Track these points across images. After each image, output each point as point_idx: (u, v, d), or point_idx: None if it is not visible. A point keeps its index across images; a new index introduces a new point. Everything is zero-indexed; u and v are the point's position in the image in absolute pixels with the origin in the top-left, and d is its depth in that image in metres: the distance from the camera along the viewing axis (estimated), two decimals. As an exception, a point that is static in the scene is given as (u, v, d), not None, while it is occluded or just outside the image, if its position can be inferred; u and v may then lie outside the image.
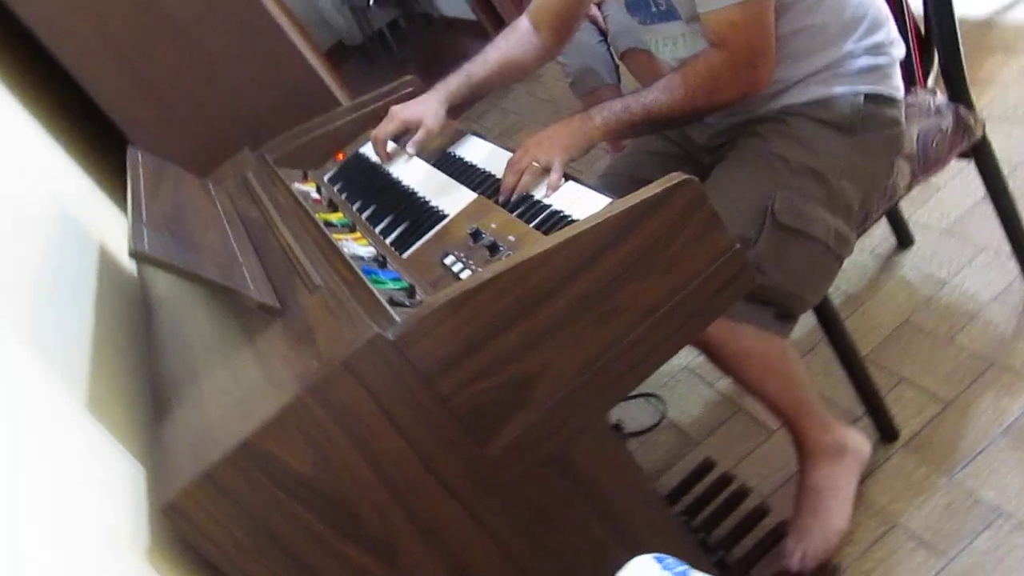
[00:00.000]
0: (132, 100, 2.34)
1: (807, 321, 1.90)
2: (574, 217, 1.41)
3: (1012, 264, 2.16)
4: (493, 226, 1.47)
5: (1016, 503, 1.78)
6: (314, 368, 1.10)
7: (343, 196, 1.96)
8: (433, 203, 1.69)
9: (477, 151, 1.87)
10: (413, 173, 1.89)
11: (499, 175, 1.64)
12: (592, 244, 1.19)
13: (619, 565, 0.93)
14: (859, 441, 1.89)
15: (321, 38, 7.72)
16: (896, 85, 1.78)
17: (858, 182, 1.75)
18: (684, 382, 2.53)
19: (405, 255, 1.57)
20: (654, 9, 1.78)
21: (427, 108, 1.93)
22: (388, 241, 1.65)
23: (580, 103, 3.35)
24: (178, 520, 1.06)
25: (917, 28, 2.00)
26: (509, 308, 1.15)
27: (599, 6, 3.21)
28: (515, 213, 1.51)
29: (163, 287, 1.72)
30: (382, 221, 1.73)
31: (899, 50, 1.80)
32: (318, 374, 1.08)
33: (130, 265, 1.91)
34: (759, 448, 2.20)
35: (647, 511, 1.41)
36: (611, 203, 1.28)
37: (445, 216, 1.61)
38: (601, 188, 1.46)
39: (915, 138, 1.90)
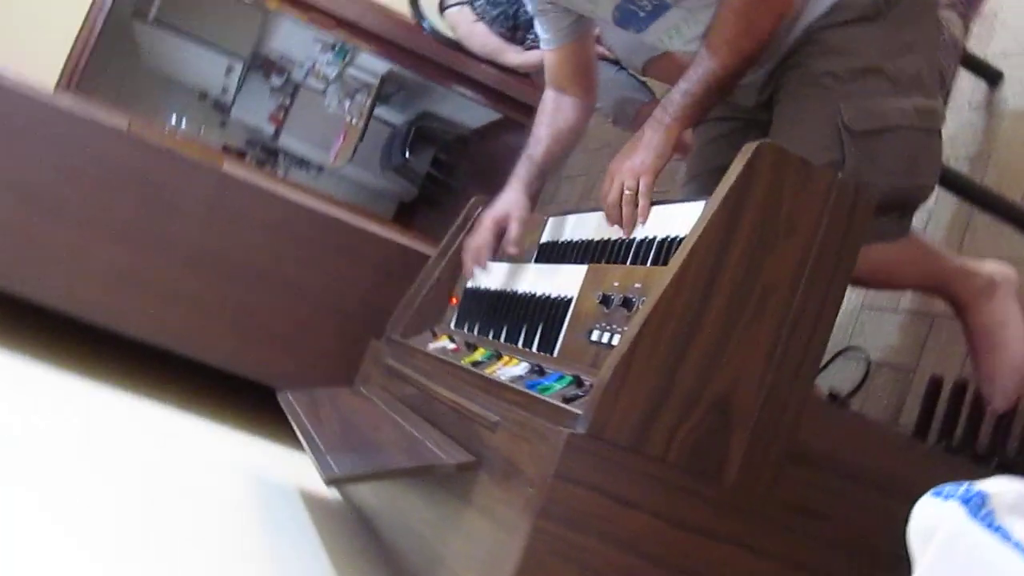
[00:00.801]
0: (258, 353, 2.44)
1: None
2: (682, 235, 1.41)
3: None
4: (616, 284, 1.48)
5: None
6: (533, 495, 1.12)
7: (476, 333, 2.00)
8: (554, 295, 1.71)
9: (565, 228, 1.89)
10: (522, 279, 1.91)
11: (595, 238, 1.66)
12: (711, 246, 1.19)
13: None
14: (1002, 270, 1.86)
15: (384, 208, 7.99)
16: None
17: (912, 53, 1.70)
18: (868, 321, 2.45)
19: (556, 353, 1.58)
20: (642, 14, 1.80)
21: (509, 201, 1.98)
22: (535, 349, 1.67)
23: (632, 132, 3.36)
24: None
25: None
26: (671, 346, 1.16)
27: (599, 40, 3.24)
28: (629, 263, 1.52)
29: (369, 497, 1.77)
30: (519, 335, 1.76)
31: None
32: (539, 498, 1.10)
33: (332, 492, 1.98)
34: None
35: (904, 458, 1.36)
36: (706, 203, 1.28)
37: (570, 299, 1.63)
38: (691, 196, 1.46)
39: (946, -17, 1.85)
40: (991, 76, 2.42)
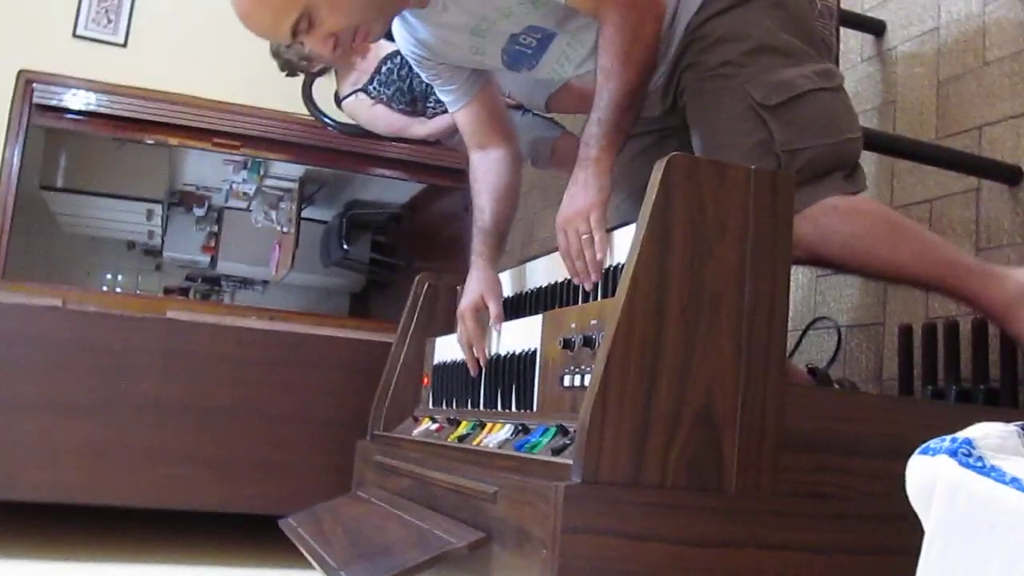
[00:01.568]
0: (249, 487, 2.43)
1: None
2: (622, 261, 1.43)
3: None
4: (573, 326, 1.49)
5: None
6: (547, 556, 1.11)
7: (455, 406, 2.00)
8: (518, 351, 1.72)
9: (511, 282, 1.91)
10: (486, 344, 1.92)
11: (543, 283, 1.67)
12: (650, 269, 1.21)
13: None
14: None
15: (338, 304, 7.99)
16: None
17: (794, 26, 1.75)
18: (828, 290, 2.49)
19: (535, 408, 1.59)
20: (529, 51, 1.83)
21: (479, 285, 1.94)
22: (514, 409, 1.67)
23: (556, 169, 3.39)
24: None
25: None
26: (639, 374, 1.17)
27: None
28: (581, 302, 1.53)
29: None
30: (497, 398, 1.76)
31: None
32: (555, 557, 1.10)
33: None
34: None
35: (892, 418, 1.38)
36: (634, 227, 1.29)
37: (534, 351, 1.64)
38: (627, 215, 1.47)
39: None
40: (875, 28, 2.48)
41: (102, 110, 4.58)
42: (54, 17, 4.50)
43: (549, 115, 3.34)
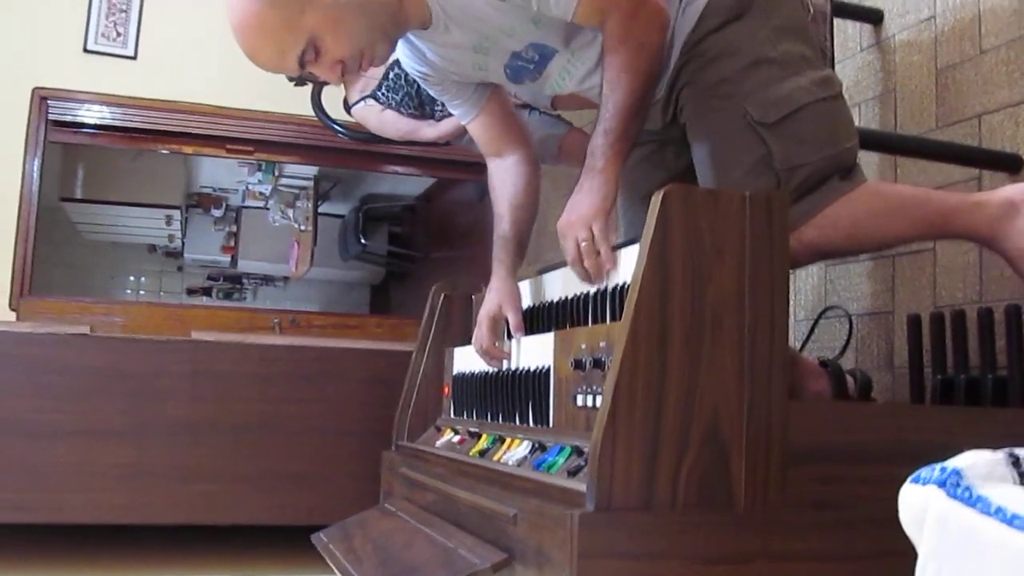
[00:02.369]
0: (281, 498, 2.50)
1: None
2: (628, 280, 1.47)
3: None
4: (584, 346, 1.54)
5: None
6: (567, 580, 1.17)
7: (475, 417, 2.05)
8: (532, 367, 1.77)
9: (529, 293, 1.95)
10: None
11: (559, 296, 1.72)
12: (652, 297, 1.25)
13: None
14: (1014, 188, 1.80)
15: (359, 297, 8.06)
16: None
17: (788, 35, 1.77)
18: (837, 278, 2.52)
19: (551, 424, 1.64)
20: (531, 66, 1.86)
21: (500, 293, 1.98)
22: (531, 424, 1.73)
23: (564, 163, 3.42)
24: None
25: None
26: (646, 398, 1.22)
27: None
28: (592, 324, 1.58)
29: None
30: (515, 413, 1.82)
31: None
32: (573, 583, 1.15)
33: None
34: (939, 264, 2.18)
35: (894, 423, 1.42)
36: (638, 247, 1.34)
37: (548, 368, 1.69)
38: (629, 232, 1.50)
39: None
40: (872, 17, 2.50)
41: (116, 123, 4.64)
42: (64, 34, 4.56)
43: (555, 112, 3.37)
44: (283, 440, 2.50)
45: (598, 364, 1.46)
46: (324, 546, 1.88)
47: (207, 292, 7.76)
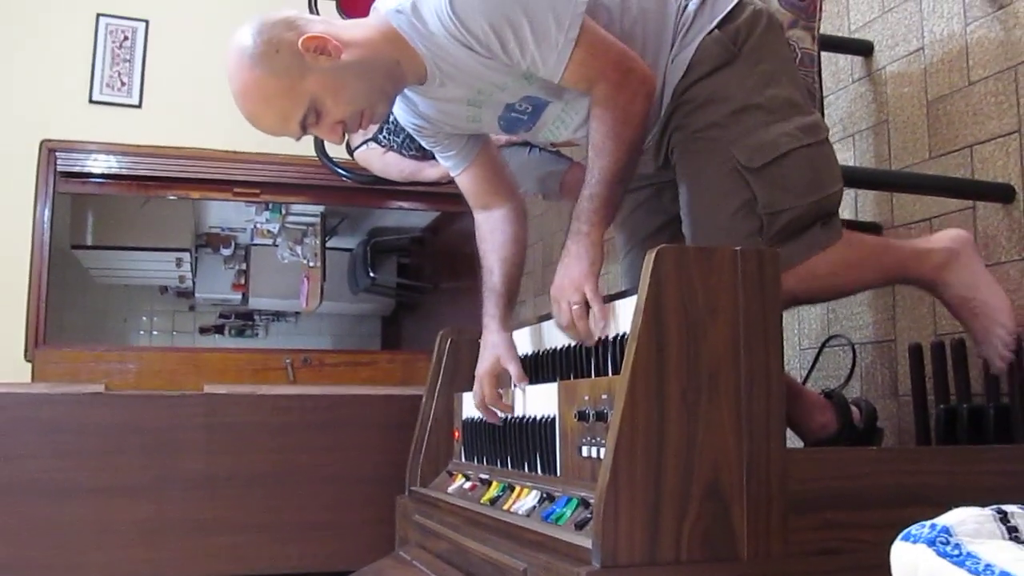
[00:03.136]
0: (299, 547, 2.53)
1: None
2: (627, 331, 1.51)
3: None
4: (586, 398, 1.57)
5: None
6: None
7: (485, 463, 2.08)
8: (539, 415, 1.80)
9: (529, 341, 1.99)
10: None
11: (560, 344, 1.76)
12: (648, 356, 1.29)
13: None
14: (956, 236, 1.94)
15: (370, 329, 8.11)
16: (725, -6, 1.86)
17: (776, 80, 1.81)
18: (839, 306, 2.55)
19: (559, 472, 1.67)
20: (524, 117, 1.90)
21: (496, 348, 2.00)
22: (539, 472, 1.76)
23: (567, 199, 3.45)
24: None
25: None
26: (647, 455, 1.26)
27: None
28: (594, 375, 1.62)
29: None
30: (524, 462, 1.85)
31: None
32: (582, 641, 1.18)
33: None
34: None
35: (893, 467, 1.44)
36: (633, 299, 1.37)
37: (554, 418, 1.72)
38: (628, 274, 1.54)
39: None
40: (862, 49, 2.54)
41: (123, 171, 4.71)
42: (70, 85, 4.63)
43: (554, 148, 3.41)
44: (299, 489, 2.54)
45: (601, 417, 1.50)
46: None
47: (219, 330, 7.81)
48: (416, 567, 1.94)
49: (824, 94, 2.40)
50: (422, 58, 1.73)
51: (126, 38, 4.71)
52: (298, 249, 6.83)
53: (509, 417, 1.95)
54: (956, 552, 0.90)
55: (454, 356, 2.40)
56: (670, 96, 1.85)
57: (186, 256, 6.73)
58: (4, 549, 2.32)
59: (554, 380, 1.78)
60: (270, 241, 7.02)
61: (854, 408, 2.12)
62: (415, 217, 6.87)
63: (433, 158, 3.58)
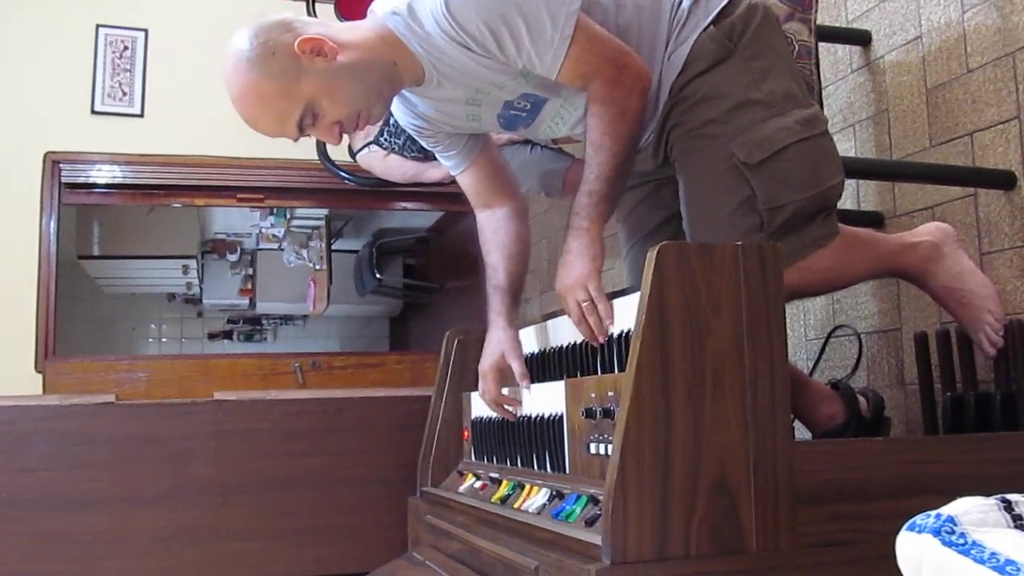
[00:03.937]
0: (314, 550, 2.55)
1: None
2: (630, 327, 1.51)
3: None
4: (593, 395, 1.58)
5: None
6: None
7: (495, 462, 2.09)
8: (547, 413, 1.81)
9: (536, 339, 2.00)
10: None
11: (566, 342, 1.77)
12: (652, 353, 1.30)
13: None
14: (937, 228, 2.00)
15: (378, 330, 8.12)
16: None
17: (773, 74, 1.81)
18: (844, 297, 2.55)
19: (568, 470, 1.69)
20: (524, 114, 1.91)
21: (499, 343, 2.02)
22: (549, 470, 1.77)
23: (570, 196, 3.45)
24: None
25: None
26: (653, 452, 1.27)
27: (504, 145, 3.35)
28: (600, 373, 1.63)
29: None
30: (532, 460, 1.86)
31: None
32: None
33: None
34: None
35: (898, 458, 1.45)
36: (637, 295, 1.38)
37: (562, 416, 1.73)
38: (632, 271, 1.55)
39: (774, -5, 1.98)
40: (860, 38, 2.54)
41: (127, 181, 4.73)
42: (72, 97, 4.64)
43: (556, 146, 3.42)
44: (311, 493, 2.55)
45: (608, 414, 1.51)
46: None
47: (228, 336, 7.83)
48: (430, 567, 1.96)
49: (823, 84, 2.40)
50: (419, 59, 1.74)
51: (126, 48, 4.73)
52: (304, 253, 6.84)
53: (517, 415, 1.96)
54: (961, 541, 0.91)
55: (462, 356, 2.41)
56: (667, 93, 1.85)
57: (192, 263, 6.75)
58: (21, 563, 2.34)
59: (561, 378, 1.79)
60: (276, 245, 7.03)
61: (861, 398, 2.13)
62: (420, 218, 6.88)
63: (435, 159, 3.62)
